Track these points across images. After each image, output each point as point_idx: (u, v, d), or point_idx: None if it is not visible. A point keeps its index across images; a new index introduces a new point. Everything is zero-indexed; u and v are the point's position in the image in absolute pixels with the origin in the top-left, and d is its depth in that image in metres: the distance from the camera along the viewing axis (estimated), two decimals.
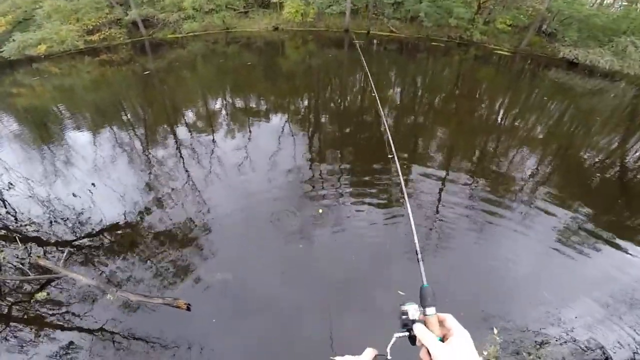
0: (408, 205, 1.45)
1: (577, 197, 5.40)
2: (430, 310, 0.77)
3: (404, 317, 0.79)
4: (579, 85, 11.18)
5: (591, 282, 3.97)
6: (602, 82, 11.49)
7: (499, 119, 8.63)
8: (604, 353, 3.25)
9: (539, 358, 3.19)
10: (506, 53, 14.53)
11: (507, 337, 3.35)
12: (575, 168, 6.45)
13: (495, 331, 3.38)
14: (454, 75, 11.98)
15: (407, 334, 0.78)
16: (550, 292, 3.78)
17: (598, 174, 6.20)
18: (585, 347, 3.30)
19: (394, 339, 0.79)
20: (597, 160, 6.68)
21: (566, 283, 3.94)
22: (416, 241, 1.14)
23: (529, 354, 3.22)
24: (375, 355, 0.80)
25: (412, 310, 0.78)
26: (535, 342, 3.33)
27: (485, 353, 3.18)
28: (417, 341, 0.75)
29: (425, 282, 0.84)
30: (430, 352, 0.70)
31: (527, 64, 13.48)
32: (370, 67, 12.94)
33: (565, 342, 3.34)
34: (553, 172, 6.22)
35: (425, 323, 0.76)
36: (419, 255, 1.03)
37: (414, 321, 0.77)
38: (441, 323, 0.77)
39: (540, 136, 7.72)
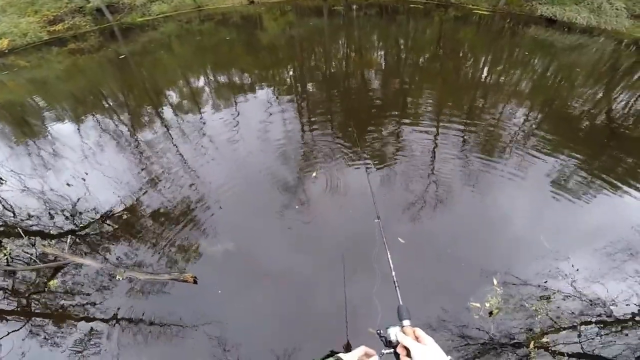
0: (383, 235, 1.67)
1: (568, 145, 5.57)
2: (406, 322, 1.01)
3: (388, 338, 1.00)
4: (559, 41, 11.24)
5: (589, 230, 4.07)
6: (581, 38, 11.55)
7: (484, 76, 8.70)
8: (607, 305, 3.29)
9: (541, 309, 3.23)
10: (485, 12, 14.45)
11: (509, 290, 3.42)
12: (563, 118, 6.60)
13: (495, 282, 3.46)
14: (435, 36, 11.93)
15: (392, 350, 0.98)
16: (550, 241, 3.86)
17: (586, 123, 6.37)
18: (590, 299, 3.34)
19: (381, 355, 1.01)
20: (584, 109, 6.84)
21: (565, 232, 4.03)
22: (393, 272, 1.42)
23: (532, 305, 3.28)
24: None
25: (393, 331, 0.99)
26: (539, 295, 3.37)
27: (487, 305, 3.26)
28: (398, 347, 0.95)
29: (400, 302, 1.13)
30: (409, 349, 0.90)
31: (507, 22, 13.45)
32: (352, 31, 12.75)
33: (569, 294, 3.38)
34: (542, 123, 6.37)
35: (403, 332, 0.98)
36: (396, 284, 1.32)
37: (396, 338, 0.98)
38: (413, 332, 0.98)
39: (527, 90, 7.84)
